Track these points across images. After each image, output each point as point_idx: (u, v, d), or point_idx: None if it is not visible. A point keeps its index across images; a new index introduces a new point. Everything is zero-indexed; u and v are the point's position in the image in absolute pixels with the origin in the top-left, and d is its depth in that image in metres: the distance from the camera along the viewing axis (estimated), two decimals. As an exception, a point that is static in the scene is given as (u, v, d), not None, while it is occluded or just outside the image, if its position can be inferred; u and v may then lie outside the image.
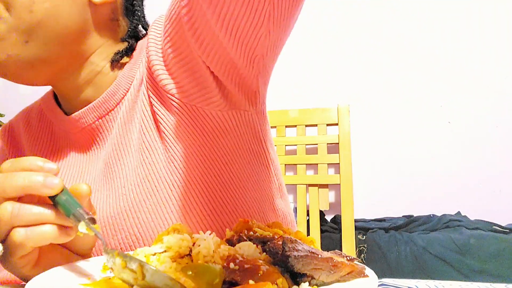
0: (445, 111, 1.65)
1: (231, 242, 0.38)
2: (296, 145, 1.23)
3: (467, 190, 1.60)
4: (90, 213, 0.37)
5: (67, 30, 0.53)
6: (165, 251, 0.37)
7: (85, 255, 0.43)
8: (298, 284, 0.31)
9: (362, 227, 1.43)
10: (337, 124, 1.18)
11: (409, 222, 1.45)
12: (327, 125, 1.20)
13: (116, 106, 0.57)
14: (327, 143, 1.19)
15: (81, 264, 0.39)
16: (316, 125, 1.21)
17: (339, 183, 1.14)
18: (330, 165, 1.20)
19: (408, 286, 0.43)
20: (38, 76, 0.55)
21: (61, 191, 0.37)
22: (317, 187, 1.18)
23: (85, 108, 0.58)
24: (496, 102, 1.61)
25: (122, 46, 0.60)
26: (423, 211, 1.54)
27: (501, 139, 1.60)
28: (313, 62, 1.74)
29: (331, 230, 1.44)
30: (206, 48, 0.48)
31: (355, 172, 1.16)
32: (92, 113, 0.58)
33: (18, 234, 0.35)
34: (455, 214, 1.52)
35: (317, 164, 1.20)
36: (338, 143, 1.17)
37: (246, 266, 0.29)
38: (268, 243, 0.33)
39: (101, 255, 0.46)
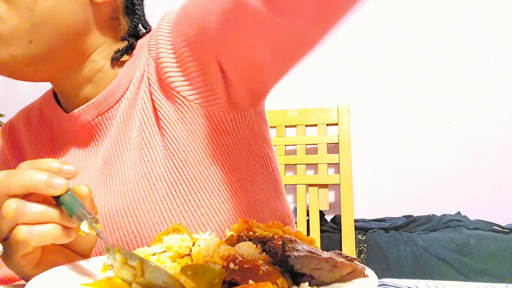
0: (445, 111, 1.65)
1: (231, 242, 0.38)
2: (296, 145, 1.22)
3: (467, 190, 1.60)
4: (93, 213, 0.37)
5: (69, 29, 0.53)
6: (164, 251, 0.37)
7: (85, 255, 0.43)
8: (298, 284, 0.31)
9: (362, 227, 1.43)
10: (337, 124, 1.18)
11: (409, 222, 1.45)
12: (327, 125, 1.20)
13: (115, 103, 0.58)
14: (327, 143, 1.19)
15: (82, 264, 0.39)
16: (316, 125, 1.21)
17: (339, 183, 1.14)
18: (330, 165, 1.20)
19: (408, 286, 0.43)
20: (38, 74, 0.56)
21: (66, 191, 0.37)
22: (317, 187, 1.18)
23: (85, 105, 0.58)
24: (496, 102, 1.61)
25: (122, 44, 0.60)
26: (423, 211, 1.54)
27: (501, 139, 1.60)
28: (313, 62, 1.74)
29: (331, 230, 1.44)
30: (236, 56, 0.50)
31: (355, 172, 1.15)
32: (92, 110, 0.58)
33: (21, 232, 0.35)
34: (455, 214, 1.52)
35: (317, 164, 1.20)
36: (338, 143, 1.17)
37: (246, 266, 0.29)
38: (268, 243, 0.33)
39: (101, 255, 0.46)
